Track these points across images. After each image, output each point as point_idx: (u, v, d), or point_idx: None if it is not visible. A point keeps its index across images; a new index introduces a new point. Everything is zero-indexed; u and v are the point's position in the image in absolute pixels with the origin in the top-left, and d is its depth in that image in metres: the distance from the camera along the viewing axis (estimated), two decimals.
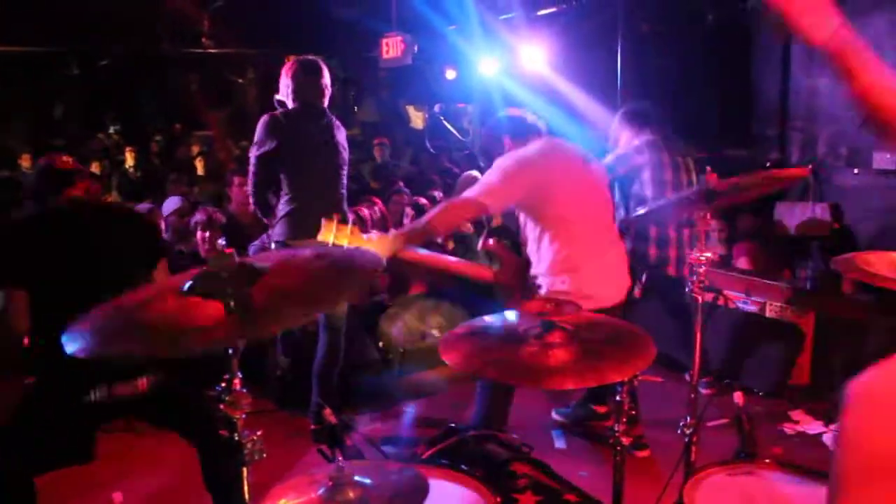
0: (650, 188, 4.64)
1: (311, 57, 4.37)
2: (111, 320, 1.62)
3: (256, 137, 4.19)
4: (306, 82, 4.24)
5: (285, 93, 4.28)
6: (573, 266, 3.51)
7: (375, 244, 3.25)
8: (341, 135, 4.39)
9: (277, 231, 4.23)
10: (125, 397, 2.94)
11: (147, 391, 2.98)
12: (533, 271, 3.64)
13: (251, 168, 4.23)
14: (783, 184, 2.91)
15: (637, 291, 4.41)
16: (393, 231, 3.46)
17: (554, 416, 4.53)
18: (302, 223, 4.10)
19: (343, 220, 3.18)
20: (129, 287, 3.00)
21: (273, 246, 4.28)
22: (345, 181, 4.40)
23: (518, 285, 3.71)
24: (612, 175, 4.52)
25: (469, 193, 3.40)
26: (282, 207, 4.22)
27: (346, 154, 4.39)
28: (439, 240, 5.47)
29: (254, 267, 1.58)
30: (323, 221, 3.23)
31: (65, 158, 3.24)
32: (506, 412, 3.67)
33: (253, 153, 4.21)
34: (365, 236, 3.23)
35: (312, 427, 4.25)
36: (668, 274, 4.64)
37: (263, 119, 4.19)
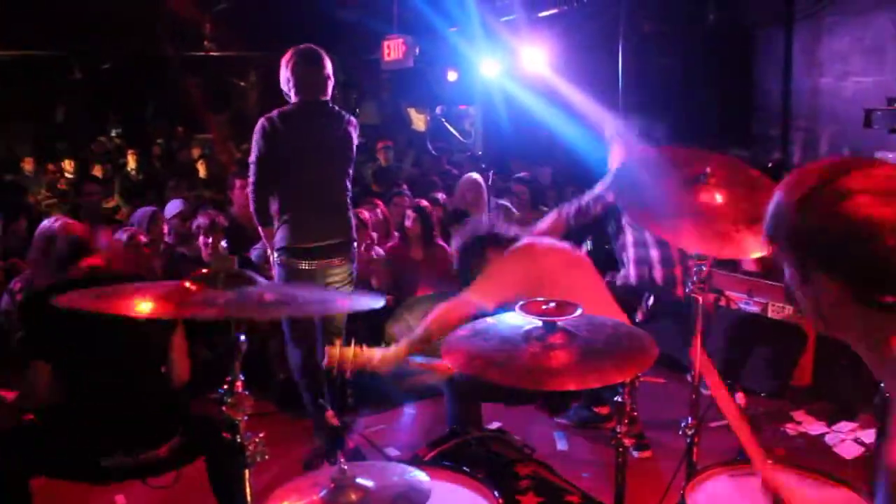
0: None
1: (311, 46, 4.20)
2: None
3: (252, 143, 4.10)
4: (306, 74, 4.10)
5: (286, 86, 4.15)
6: None
7: (380, 360, 3.23)
8: (347, 127, 4.22)
9: (278, 237, 4.11)
10: (143, 463, 2.97)
11: (167, 456, 3.01)
12: None
13: (250, 174, 4.14)
14: None
15: (640, 315, 4.42)
16: (394, 345, 3.44)
17: (556, 418, 4.54)
18: (301, 228, 4.05)
19: (346, 343, 3.16)
20: (149, 352, 3.07)
21: (274, 254, 4.15)
22: (349, 181, 4.28)
23: None
24: (602, 203, 4.54)
25: (464, 295, 3.40)
26: (280, 213, 4.10)
27: (351, 150, 4.26)
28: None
29: (250, 278, 1.59)
30: (327, 349, 3.16)
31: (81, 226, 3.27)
32: (477, 412, 3.64)
33: (251, 159, 4.13)
34: (367, 353, 3.18)
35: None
36: (677, 295, 4.59)
37: (259, 123, 4.08)
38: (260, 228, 4.22)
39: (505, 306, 3.44)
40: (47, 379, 2.96)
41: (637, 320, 4.35)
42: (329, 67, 4.18)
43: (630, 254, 4.70)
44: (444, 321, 3.39)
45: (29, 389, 3.03)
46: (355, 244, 4.33)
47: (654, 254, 4.62)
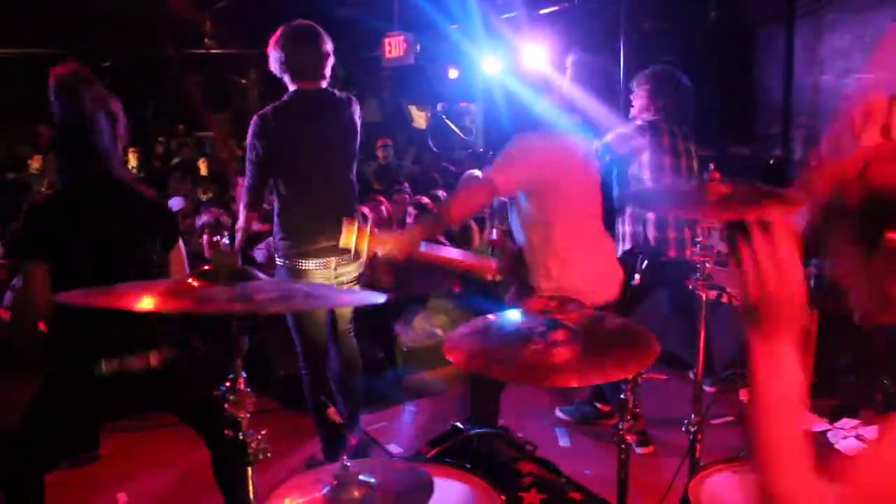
0: (648, 171, 4.61)
1: (304, 22, 3.86)
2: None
3: (247, 141, 3.85)
4: (301, 55, 3.77)
5: (279, 70, 3.82)
6: (562, 261, 3.53)
7: (394, 242, 3.37)
8: (351, 115, 3.94)
9: (278, 237, 3.91)
10: (135, 372, 2.88)
11: (158, 366, 2.92)
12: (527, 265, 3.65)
13: (247, 175, 3.89)
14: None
15: (636, 279, 4.39)
16: (409, 227, 3.49)
17: (558, 414, 4.54)
18: (305, 230, 3.82)
19: (363, 221, 3.18)
20: (145, 266, 3.00)
21: (276, 255, 3.96)
22: (353, 173, 4.02)
23: (516, 276, 3.72)
24: (611, 155, 4.51)
25: (482, 178, 3.51)
26: (281, 213, 3.89)
27: (355, 139, 3.97)
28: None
29: (252, 274, 1.58)
30: (344, 223, 3.21)
31: None
32: (496, 408, 3.68)
33: (248, 158, 3.87)
34: (382, 236, 3.31)
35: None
36: (668, 256, 4.59)
37: (253, 120, 3.82)
38: (242, 212, 3.97)
39: (519, 194, 3.53)
40: (43, 283, 2.84)
41: (633, 284, 4.33)
42: (328, 44, 3.83)
43: (628, 211, 4.66)
44: (462, 204, 3.55)
45: (26, 295, 2.90)
46: (362, 274, 4.13)
47: (650, 215, 4.60)
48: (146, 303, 1.45)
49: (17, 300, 3.09)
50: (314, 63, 3.79)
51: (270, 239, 5.27)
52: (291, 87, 3.84)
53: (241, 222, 4.01)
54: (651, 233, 4.60)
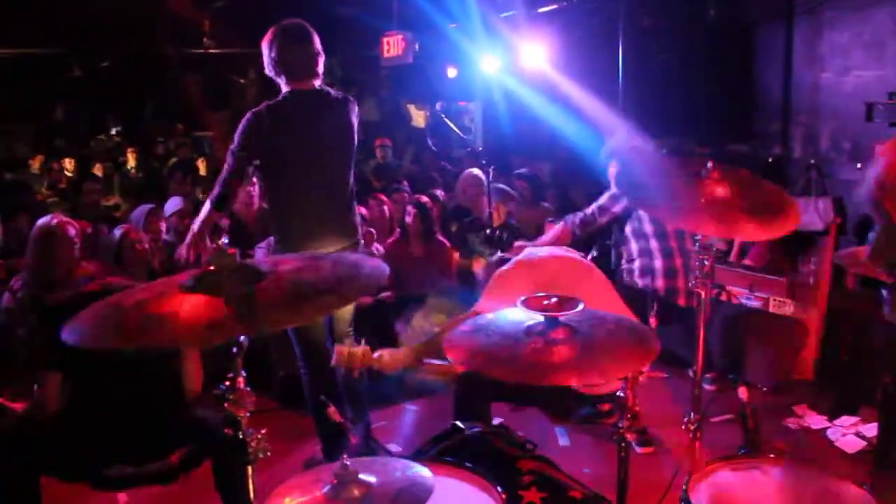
0: (647, 223, 4.63)
1: (295, 21, 3.80)
2: (110, 316, 1.61)
3: (236, 133, 3.72)
4: (291, 53, 3.70)
5: (272, 70, 3.76)
6: None
7: (389, 361, 3.26)
8: (348, 115, 3.86)
9: (275, 237, 3.91)
10: (153, 473, 2.98)
11: (178, 465, 3.01)
12: None
13: (226, 164, 3.77)
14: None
15: (653, 321, 4.41)
16: (404, 347, 3.46)
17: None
18: (302, 237, 3.76)
19: (356, 343, 3.18)
20: (162, 362, 3.04)
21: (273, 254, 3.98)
22: (351, 175, 3.94)
23: None
24: (609, 214, 4.62)
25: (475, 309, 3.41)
26: (277, 219, 3.85)
27: (352, 140, 3.88)
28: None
29: (255, 268, 1.58)
30: (336, 348, 3.13)
31: None
32: (486, 410, 3.65)
33: (231, 149, 3.74)
34: (376, 355, 3.21)
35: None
36: (678, 305, 4.59)
37: (246, 116, 3.71)
38: (207, 205, 3.83)
39: None
40: (57, 390, 2.98)
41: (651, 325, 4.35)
42: (317, 43, 3.77)
43: (636, 264, 4.67)
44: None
45: (41, 400, 3.03)
46: (362, 244, 4.11)
47: (658, 264, 4.59)
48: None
49: (33, 403, 3.15)
50: (306, 62, 3.74)
51: (271, 238, 5.27)
52: (285, 88, 3.78)
53: (201, 215, 3.86)
54: (660, 283, 4.58)
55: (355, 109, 3.95)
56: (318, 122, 3.76)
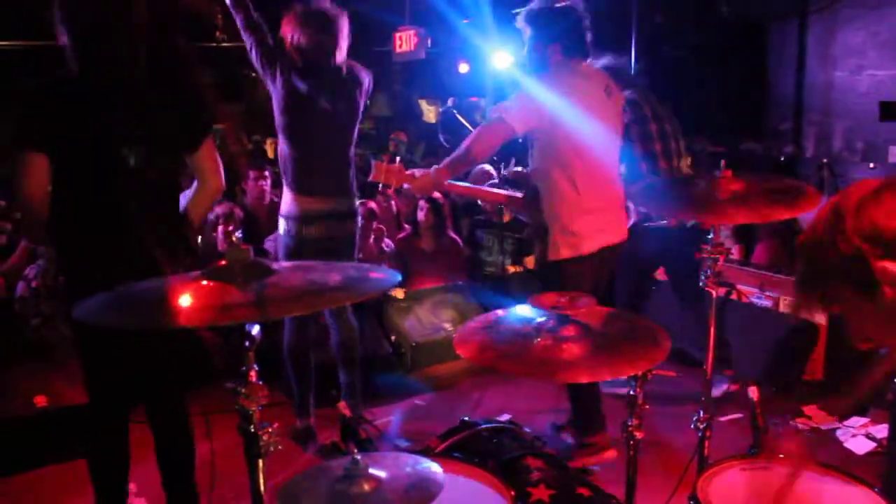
0: (638, 145, 4.64)
1: (321, 9, 3.93)
2: (124, 296, 1.63)
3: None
4: (307, 38, 3.86)
5: (291, 46, 3.92)
6: (574, 202, 3.61)
7: (420, 181, 3.63)
8: (357, 88, 4.08)
9: (284, 204, 4.09)
10: None
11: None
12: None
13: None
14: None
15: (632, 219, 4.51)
16: (435, 166, 3.67)
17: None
18: (307, 190, 4.01)
19: (391, 161, 3.54)
20: (167, 165, 2.90)
21: (281, 221, 4.11)
22: (352, 148, 4.17)
23: (533, 212, 3.78)
24: None
25: (501, 116, 3.56)
26: (288, 181, 4.07)
27: (356, 116, 4.11)
28: None
29: (267, 266, 1.60)
30: (373, 163, 3.49)
31: None
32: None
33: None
34: (409, 172, 3.58)
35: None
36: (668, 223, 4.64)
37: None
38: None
39: (534, 134, 3.63)
40: (41, 177, 2.70)
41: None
42: (339, 27, 3.92)
43: None
44: (483, 142, 3.64)
45: (17, 183, 2.73)
46: (359, 219, 4.29)
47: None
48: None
49: (12, 191, 2.93)
50: (322, 48, 3.88)
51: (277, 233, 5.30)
52: (301, 63, 3.93)
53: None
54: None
55: (367, 82, 4.15)
56: (332, 98, 3.97)
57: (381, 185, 3.58)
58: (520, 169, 4.65)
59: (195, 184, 3.11)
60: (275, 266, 1.61)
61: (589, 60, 3.82)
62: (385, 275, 1.73)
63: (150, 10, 2.94)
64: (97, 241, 2.80)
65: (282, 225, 4.10)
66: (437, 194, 5.70)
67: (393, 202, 6.57)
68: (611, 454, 3.83)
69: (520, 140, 3.79)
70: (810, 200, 2.73)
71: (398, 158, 3.54)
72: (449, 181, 3.73)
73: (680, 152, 4.78)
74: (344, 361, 4.34)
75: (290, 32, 3.89)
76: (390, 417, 4.61)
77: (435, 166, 3.68)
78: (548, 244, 3.69)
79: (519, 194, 3.93)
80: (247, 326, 1.53)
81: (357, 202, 4.22)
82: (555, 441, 4.02)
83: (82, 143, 2.73)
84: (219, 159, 3.11)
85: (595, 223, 3.65)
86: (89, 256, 2.80)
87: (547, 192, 3.68)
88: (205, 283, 1.58)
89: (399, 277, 1.76)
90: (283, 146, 4.05)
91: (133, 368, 2.98)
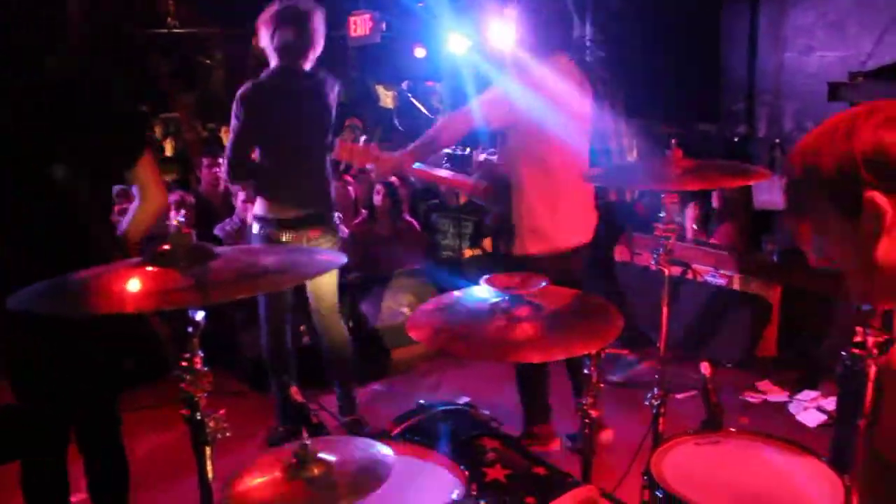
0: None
1: (296, 5, 3.92)
2: (59, 285, 1.59)
3: (232, 114, 3.93)
4: (283, 35, 3.86)
5: (266, 46, 3.94)
6: (540, 199, 3.61)
7: (385, 162, 3.61)
8: (329, 93, 4.07)
9: (258, 206, 4.04)
10: None
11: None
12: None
13: (227, 147, 4.01)
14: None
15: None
16: (401, 150, 3.67)
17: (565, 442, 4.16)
18: (281, 197, 3.95)
19: (355, 140, 3.53)
20: (97, 182, 2.80)
21: (254, 223, 4.05)
22: (328, 151, 4.08)
23: (499, 203, 3.79)
24: None
25: (468, 107, 3.59)
26: (259, 182, 4.01)
27: (329, 119, 4.08)
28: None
29: (209, 249, 1.57)
30: (337, 142, 3.49)
31: None
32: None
33: (232, 127, 3.95)
34: (375, 154, 3.58)
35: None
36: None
37: (239, 91, 3.90)
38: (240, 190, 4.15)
39: (502, 128, 3.63)
40: None
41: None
42: (315, 24, 3.92)
43: None
44: (449, 129, 3.69)
45: None
46: (337, 215, 4.27)
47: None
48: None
49: None
50: (297, 44, 3.87)
51: (234, 217, 5.25)
52: (274, 63, 3.92)
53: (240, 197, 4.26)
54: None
55: (336, 90, 4.14)
56: (297, 96, 3.94)
57: (343, 164, 3.55)
58: (485, 157, 4.65)
59: (135, 201, 3.00)
60: (218, 250, 1.58)
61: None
62: (329, 257, 1.71)
63: (79, 25, 2.82)
64: (21, 258, 2.68)
65: (255, 227, 4.04)
66: (393, 178, 5.67)
67: (350, 188, 6.52)
68: (554, 446, 3.87)
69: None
70: (759, 174, 2.83)
71: (363, 137, 3.53)
72: (415, 168, 3.71)
73: (624, 134, 4.81)
74: (331, 366, 4.31)
75: (263, 30, 3.89)
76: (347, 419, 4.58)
77: (401, 150, 3.67)
78: (513, 237, 3.68)
79: (483, 183, 3.91)
80: (190, 312, 1.50)
81: (336, 214, 4.20)
82: (513, 422, 4.04)
83: (5, 157, 2.64)
84: (159, 175, 3.02)
85: (563, 221, 3.64)
86: (13, 273, 2.66)
87: (516, 186, 3.66)
88: (148, 268, 1.56)
89: (344, 259, 1.74)
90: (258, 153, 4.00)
91: (64, 370, 2.85)
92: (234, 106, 3.88)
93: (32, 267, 2.59)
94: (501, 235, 3.81)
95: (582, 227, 3.76)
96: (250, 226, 4.18)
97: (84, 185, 2.73)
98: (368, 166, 3.68)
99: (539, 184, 3.60)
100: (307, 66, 3.96)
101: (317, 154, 4.05)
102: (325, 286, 4.19)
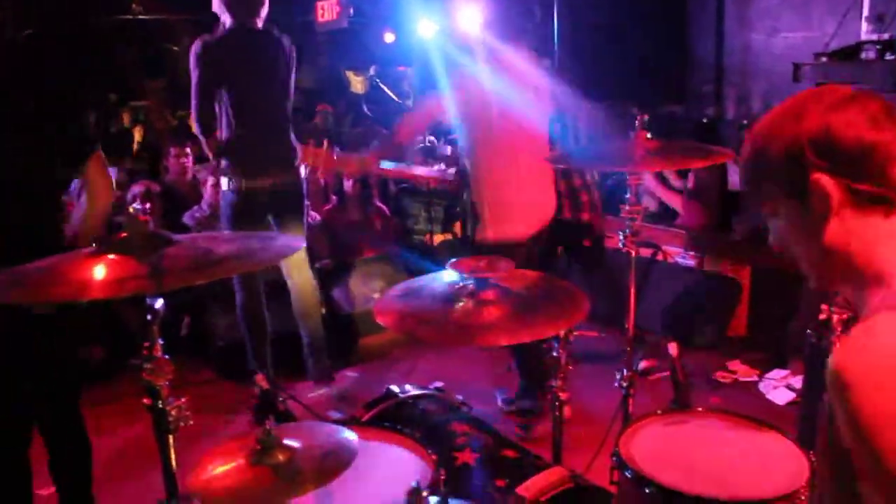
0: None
1: None
2: (14, 272, 1.56)
3: (190, 67, 4.02)
4: None
5: (218, 7, 4.03)
6: (495, 187, 3.63)
7: (351, 165, 3.71)
8: (284, 52, 4.15)
9: (224, 166, 4.09)
10: None
11: None
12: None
13: (192, 102, 4.06)
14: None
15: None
16: (363, 152, 3.72)
17: (498, 402, 4.33)
18: (248, 157, 4.02)
19: (318, 144, 3.40)
20: (46, 178, 2.72)
21: (225, 191, 4.11)
22: (289, 106, 4.20)
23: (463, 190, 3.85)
24: None
25: (426, 100, 3.70)
26: (225, 141, 4.06)
27: (289, 76, 4.17)
28: None
29: (166, 236, 1.55)
30: (300, 147, 3.54)
31: None
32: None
33: (192, 84, 4.03)
34: (340, 157, 3.65)
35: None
36: (563, 217, 4.66)
37: (194, 46, 3.99)
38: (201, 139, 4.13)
39: (457, 119, 3.64)
40: None
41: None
42: None
43: None
44: (410, 126, 3.77)
45: None
46: (303, 189, 4.27)
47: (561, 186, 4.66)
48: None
49: None
50: (249, 4, 3.99)
51: (196, 206, 5.21)
52: (226, 21, 4.01)
53: (204, 149, 4.18)
54: (566, 202, 4.64)
55: (293, 50, 4.22)
56: (263, 54, 4.05)
57: (307, 170, 3.58)
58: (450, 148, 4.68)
59: (83, 201, 2.95)
60: (175, 237, 1.56)
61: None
62: (287, 242, 1.70)
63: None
64: None
65: (224, 182, 4.10)
66: None
67: (319, 174, 6.49)
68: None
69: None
70: (722, 155, 2.84)
71: (326, 142, 3.57)
72: (380, 167, 3.75)
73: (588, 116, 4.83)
74: (301, 316, 4.43)
75: None
76: (323, 390, 4.57)
77: (364, 152, 3.71)
78: (475, 223, 3.71)
79: (451, 171, 3.95)
80: (148, 299, 1.49)
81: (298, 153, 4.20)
82: (484, 404, 4.04)
83: None
84: (109, 175, 2.97)
85: (523, 207, 3.67)
86: None
87: (475, 172, 3.68)
88: (109, 256, 1.54)
89: (303, 244, 1.73)
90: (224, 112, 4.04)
91: (26, 362, 2.81)
92: (189, 65, 3.99)
93: None
94: (469, 221, 3.85)
95: (542, 211, 3.79)
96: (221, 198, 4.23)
97: (35, 175, 2.68)
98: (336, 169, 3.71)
99: (497, 169, 3.62)
100: (259, 23, 4.04)
101: (281, 107, 4.12)
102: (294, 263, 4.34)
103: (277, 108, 4.12)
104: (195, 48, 3.96)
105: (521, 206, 3.66)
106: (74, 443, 2.96)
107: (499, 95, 3.55)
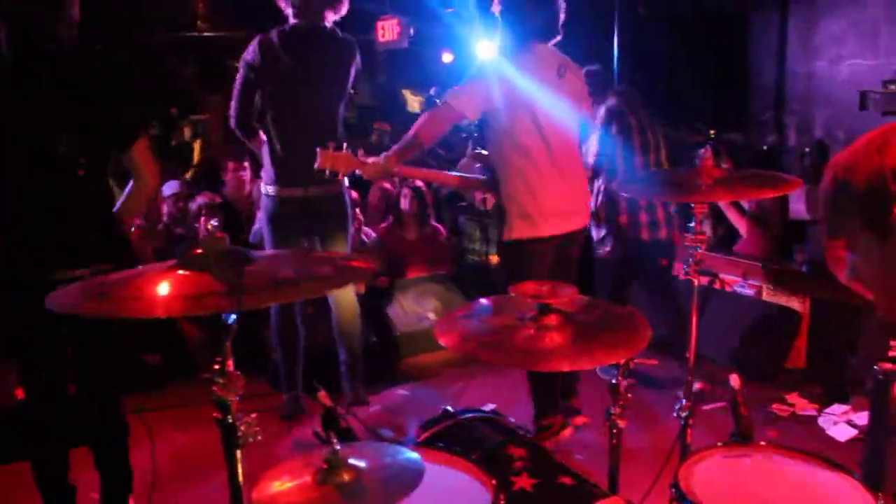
0: (619, 158, 4.65)
1: None
2: (94, 287, 1.61)
3: (241, 62, 4.02)
4: None
5: (284, 3, 3.99)
6: (528, 185, 3.59)
7: (371, 167, 3.52)
8: (349, 61, 4.10)
9: (265, 177, 4.09)
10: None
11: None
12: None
13: (235, 90, 4.08)
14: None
15: (608, 249, 4.51)
16: (384, 153, 3.60)
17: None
18: (289, 167, 3.98)
19: (338, 148, 3.43)
20: (96, 160, 2.85)
21: (263, 195, 4.12)
22: (340, 110, 4.15)
23: (493, 193, 3.79)
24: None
25: (447, 101, 3.56)
26: (267, 149, 4.03)
27: (346, 82, 4.13)
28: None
29: (244, 253, 1.58)
30: (318, 150, 3.40)
31: None
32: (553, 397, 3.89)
33: (238, 74, 4.03)
34: (359, 160, 3.50)
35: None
36: (642, 239, 4.64)
37: (256, 39, 3.97)
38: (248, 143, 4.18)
39: (486, 116, 3.60)
40: None
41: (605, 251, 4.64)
42: None
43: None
44: (430, 126, 3.63)
45: None
46: (348, 202, 4.28)
47: (621, 198, 4.63)
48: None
49: None
50: (319, 3, 3.96)
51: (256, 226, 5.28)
52: (292, 20, 3.98)
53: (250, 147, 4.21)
54: (623, 218, 4.62)
55: (356, 53, 4.17)
56: (315, 57, 3.97)
57: (327, 173, 3.50)
58: (479, 151, 4.66)
59: (130, 184, 3.08)
60: (253, 255, 1.59)
61: (553, 42, 3.76)
62: (363, 265, 1.72)
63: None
64: (22, 231, 2.77)
65: (263, 189, 4.10)
66: (419, 183, 5.68)
67: (378, 192, 6.54)
68: (565, 434, 3.86)
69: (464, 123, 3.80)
70: (791, 184, 2.75)
71: (345, 145, 3.50)
72: (402, 166, 3.67)
73: (660, 162, 4.78)
74: (341, 334, 4.39)
75: None
76: (374, 408, 4.59)
77: (385, 153, 3.64)
78: (504, 223, 3.68)
79: (478, 177, 3.91)
80: (223, 316, 1.51)
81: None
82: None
83: (7, 128, 2.70)
84: (153, 159, 3.08)
85: (550, 205, 3.61)
86: (13, 245, 2.77)
87: (502, 173, 3.65)
88: (180, 272, 1.57)
89: (372, 272, 1.75)
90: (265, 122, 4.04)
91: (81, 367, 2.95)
92: (246, 54, 3.99)
93: (28, 245, 2.73)
94: (498, 225, 3.82)
95: (573, 210, 3.72)
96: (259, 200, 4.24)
97: (83, 162, 2.79)
98: (357, 172, 3.60)
99: (521, 167, 3.58)
100: (325, 22, 4.00)
101: (330, 116, 4.07)
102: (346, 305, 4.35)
103: (324, 110, 4.05)
104: (254, 42, 3.97)
105: (547, 204, 3.60)
106: (116, 454, 3.06)
107: (548, 109, 3.54)
